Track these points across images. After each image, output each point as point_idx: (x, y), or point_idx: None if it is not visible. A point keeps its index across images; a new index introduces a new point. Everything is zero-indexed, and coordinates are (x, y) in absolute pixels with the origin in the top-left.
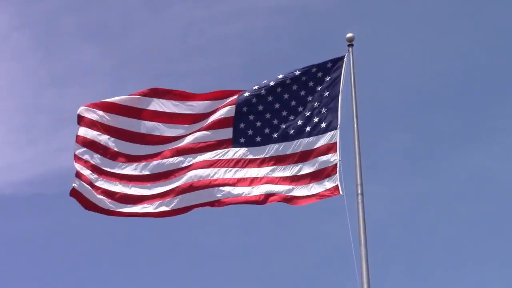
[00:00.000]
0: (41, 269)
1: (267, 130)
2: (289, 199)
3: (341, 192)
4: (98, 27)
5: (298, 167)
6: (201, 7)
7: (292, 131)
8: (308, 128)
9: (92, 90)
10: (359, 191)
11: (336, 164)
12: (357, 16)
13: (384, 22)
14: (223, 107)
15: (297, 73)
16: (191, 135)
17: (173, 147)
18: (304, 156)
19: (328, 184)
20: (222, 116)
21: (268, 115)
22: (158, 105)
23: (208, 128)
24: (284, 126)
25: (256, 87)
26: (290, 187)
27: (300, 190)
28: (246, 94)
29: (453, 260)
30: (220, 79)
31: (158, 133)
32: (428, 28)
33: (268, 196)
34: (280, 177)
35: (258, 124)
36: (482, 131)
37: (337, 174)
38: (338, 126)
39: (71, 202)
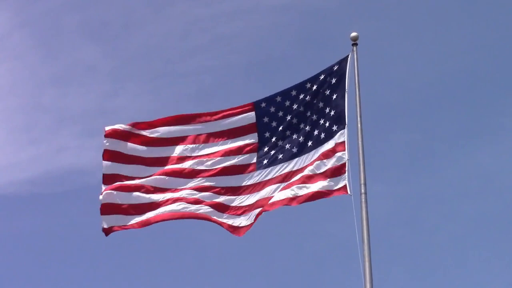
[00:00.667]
0: (42, 268)
1: (288, 146)
2: (293, 199)
3: (349, 192)
4: (99, 26)
5: (308, 171)
6: (203, 6)
7: (310, 142)
8: (322, 135)
9: (93, 89)
10: (363, 190)
11: (344, 163)
12: (360, 15)
13: (387, 21)
14: (242, 134)
15: (308, 85)
16: (212, 159)
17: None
18: (316, 160)
19: (333, 183)
20: (245, 143)
21: (288, 132)
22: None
23: (230, 153)
24: (302, 139)
25: (273, 110)
26: (295, 188)
27: (304, 189)
28: (265, 119)
29: (456, 259)
30: (222, 78)
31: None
32: (430, 27)
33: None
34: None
35: (280, 143)
36: (485, 130)
37: (346, 173)
38: (346, 126)
39: (72, 202)
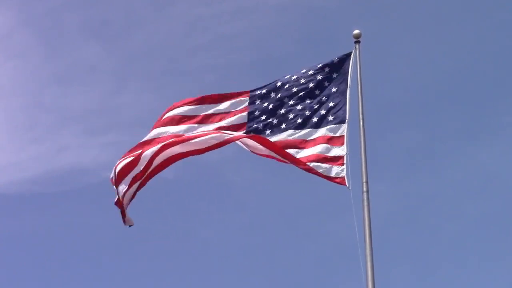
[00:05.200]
0: (42, 268)
1: (275, 121)
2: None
3: (347, 185)
4: (101, 25)
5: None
6: (205, 5)
7: (299, 120)
8: (315, 119)
9: (95, 88)
10: (365, 189)
11: (343, 156)
12: (362, 13)
13: (388, 19)
14: (235, 114)
15: (303, 71)
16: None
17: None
18: (309, 143)
19: (334, 170)
20: (235, 123)
21: (279, 112)
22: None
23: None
24: (292, 116)
25: (264, 91)
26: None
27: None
28: (257, 102)
29: (458, 258)
30: (224, 77)
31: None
32: (431, 27)
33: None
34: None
35: (271, 120)
36: (488, 129)
37: (344, 166)
38: (347, 121)
39: (73, 201)
